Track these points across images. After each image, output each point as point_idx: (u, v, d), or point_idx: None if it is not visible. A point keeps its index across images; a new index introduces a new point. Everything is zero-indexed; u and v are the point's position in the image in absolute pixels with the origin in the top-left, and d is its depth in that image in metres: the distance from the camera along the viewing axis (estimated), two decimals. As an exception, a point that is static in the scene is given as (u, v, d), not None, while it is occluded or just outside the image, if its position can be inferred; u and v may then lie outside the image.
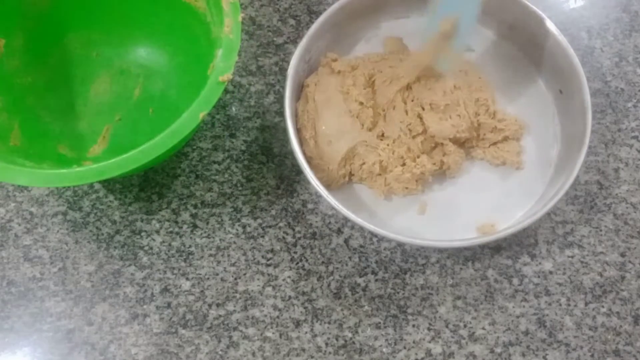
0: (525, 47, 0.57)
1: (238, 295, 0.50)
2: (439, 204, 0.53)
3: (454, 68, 0.52)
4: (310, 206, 0.53)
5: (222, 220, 0.53)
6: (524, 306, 0.50)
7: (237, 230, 0.52)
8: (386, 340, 0.49)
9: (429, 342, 0.49)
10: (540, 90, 0.56)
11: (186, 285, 0.50)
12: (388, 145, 0.51)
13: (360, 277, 0.51)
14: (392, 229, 0.50)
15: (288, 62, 0.52)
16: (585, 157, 0.49)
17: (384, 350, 0.49)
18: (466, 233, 0.51)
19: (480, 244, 0.51)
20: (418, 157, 0.51)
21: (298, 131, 0.52)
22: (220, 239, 0.52)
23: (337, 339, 0.49)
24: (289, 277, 0.51)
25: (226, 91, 0.57)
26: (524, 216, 0.51)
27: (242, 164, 0.55)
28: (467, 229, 0.51)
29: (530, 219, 0.48)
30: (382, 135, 0.52)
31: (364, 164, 0.51)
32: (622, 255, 0.52)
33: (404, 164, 0.51)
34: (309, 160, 0.51)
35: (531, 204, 0.52)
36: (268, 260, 0.51)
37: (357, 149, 0.51)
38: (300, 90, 0.54)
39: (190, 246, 0.52)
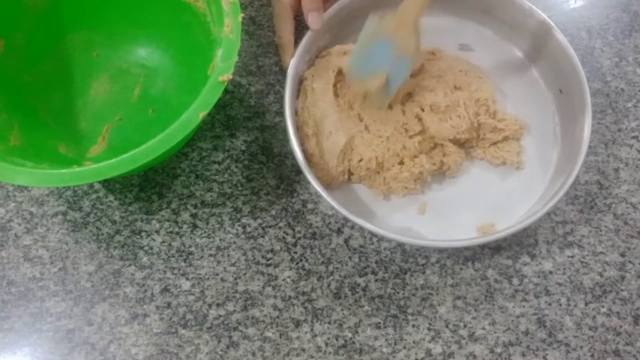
0: (525, 47, 0.57)
1: (238, 295, 0.50)
2: (439, 204, 0.53)
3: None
4: (310, 206, 0.53)
5: (222, 220, 0.53)
6: (524, 306, 0.50)
7: (237, 230, 0.52)
8: (386, 340, 0.49)
9: (429, 342, 0.49)
10: (541, 89, 0.56)
11: (186, 285, 0.50)
12: (382, 142, 0.51)
13: (360, 277, 0.51)
14: (392, 229, 0.50)
15: (288, 62, 0.52)
16: (585, 157, 0.49)
17: (384, 350, 0.49)
18: (466, 233, 0.51)
19: (480, 244, 0.51)
20: (416, 156, 0.51)
21: (299, 129, 0.52)
22: (220, 239, 0.52)
23: (337, 339, 0.49)
24: (289, 277, 0.51)
25: (226, 91, 0.57)
26: (524, 216, 0.51)
27: (242, 164, 0.55)
28: (467, 228, 0.51)
29: (530, 219, 0.48)
30: (377, 131, 0.52)
31: (361, 160, 0.51)
32: (622, 255, 0.52)
33: (401, 163, 0.51)
34: (310, 157, 0.51)
35: (531, 204, 0.52)
36: (268, 260, 0.51)
37: (355, 141, 0.51)
38: (299, 89, 0.54)
39: (190, 246, 0.52)
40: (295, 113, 0.53)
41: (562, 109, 0.55)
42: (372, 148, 0.51)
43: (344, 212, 0.47)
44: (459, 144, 0.53)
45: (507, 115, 0.54)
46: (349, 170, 0.52)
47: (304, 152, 0.51)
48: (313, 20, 0.51)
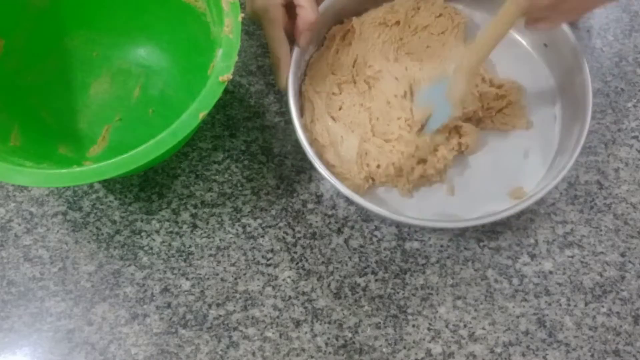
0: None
1: (238, 295, 0.50)
2: (465, 182, 0.53)
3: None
4: (310, 206, 0.53)
5: (222, 220, 0.53)
6: (524, 306, 0.50)
7: (237, 230, 0.52)
8: (386, 340, 0.49)
9: (429, 342, 0.49)
10: (524, 49, 0.57)
11: (186, 285, 0.50)
12: (394, 146, 0.51)
13: (360, 277, 0.51)
14: (428, 216, 0.51)
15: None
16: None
17: (384, 350, 0.49)
18: (501, 203, 0.50)
19: (520, 210, 0.49)
20: (436, 150, 0.51)
21: (313, 143, 0.51)
22: (220, 239, 0.52)
23: (337, 339, 0.49)
24: (289, 277, 0.51)
25: (226, 91, 0.57)
26: (547, 174, 0.51)
27: (242, 164, 0.55)
28: (499, 198, 0.51)
29: (559, 176, 0.48)
30: (383, 133, 0.52)
31: (379, 166, 0.51)
32: (622, 255, 0.52)
33: (423, 161, 0.51)
34: (332, 169, 0.50)
35: (550, 160, 0.52)
36: (268, 260, 0.51)
37: (367, 145, 0.51)
38: (300, 92, 0.54)
39: (190, 246, 0.52)
40: (305, 128, 0.52)
41: (551, 63, 0.56)
42: (385, 154, 0.51)
43: (384, 213, 0.47)
44: (470, 120, 0.53)
45: (503, 80, 0.54)
46: (370, 176, 0.52)
47: (325, 163, 0.50)
48: (305, 38, 0.51)
